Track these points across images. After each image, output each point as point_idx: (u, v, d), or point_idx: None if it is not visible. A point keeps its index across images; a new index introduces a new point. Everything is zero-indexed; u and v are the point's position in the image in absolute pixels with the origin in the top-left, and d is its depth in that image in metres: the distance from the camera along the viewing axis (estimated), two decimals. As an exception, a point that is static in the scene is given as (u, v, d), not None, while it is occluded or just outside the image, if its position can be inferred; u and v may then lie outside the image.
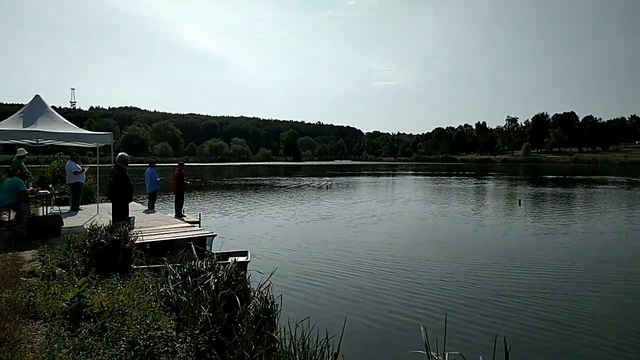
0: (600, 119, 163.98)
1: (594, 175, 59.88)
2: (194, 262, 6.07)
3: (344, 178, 57.24)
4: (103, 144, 14.50)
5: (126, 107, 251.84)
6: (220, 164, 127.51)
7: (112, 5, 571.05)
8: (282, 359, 4.56)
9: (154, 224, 12.17)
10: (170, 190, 20.25)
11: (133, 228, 9.78)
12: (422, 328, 4.09)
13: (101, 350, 4.11)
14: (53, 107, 13.91)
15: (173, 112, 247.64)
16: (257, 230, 16.95)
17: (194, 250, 7.05)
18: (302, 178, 56.25)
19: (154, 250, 9.43)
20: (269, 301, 5.13)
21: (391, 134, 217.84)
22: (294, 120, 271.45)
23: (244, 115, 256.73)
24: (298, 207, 24.87)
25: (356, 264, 11.79)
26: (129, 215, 10.74)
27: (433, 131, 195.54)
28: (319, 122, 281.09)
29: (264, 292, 5.31)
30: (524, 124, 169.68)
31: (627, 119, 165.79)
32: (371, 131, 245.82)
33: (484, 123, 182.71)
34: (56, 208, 14.11)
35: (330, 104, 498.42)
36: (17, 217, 10.66)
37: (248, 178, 55.91)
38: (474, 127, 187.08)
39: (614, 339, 7.03)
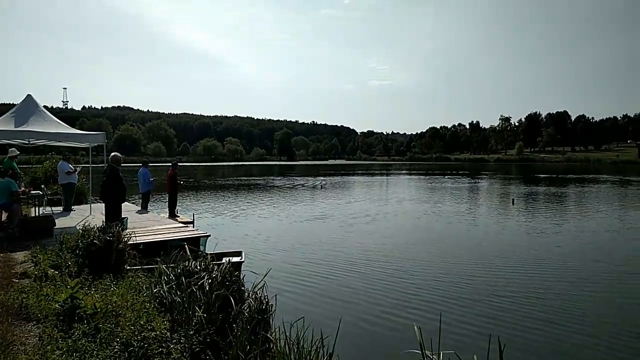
0: (592, 118, 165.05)
1: (586, 175, 60.31)
2: (188, 263, 6.04)
3: (338, 178, 57.28)
4: (95, 144, 14.44)
5: (119, 106, 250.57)
6: (213, 163, 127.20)
7: (109, 5, 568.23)
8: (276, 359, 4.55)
9: (148, 224, 12.12)
10: (163, 191, 20.19)
11: (126, 228, 9.74)
12: (416, 328, 4.09)
13: (95, 352, 4.08)
14: (45, 106, 13.83)
15: (166, 112, 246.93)
16: (251, 230, 16.92)
17: (188, 251, 7.03)
18: (296, 178, 56.22)
19: (147, 250, 9.38)
20: (264, 301, 5.12)
21: (385, 133, 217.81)
22: (288, 119, 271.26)
23: (238, 115, 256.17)
24: (292, 207, 24.86)
25: (350, 264, 11.81)
26: (122, 216, 10.68)
27: (427, 131, 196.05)
28: (313, 121, 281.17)
29: (258, 292, 5.30)
30: (517, 124, 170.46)
31: (619, 119, 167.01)
32: (365, 131, 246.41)
33: (478, 122, 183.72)
34: (48, 209, 14.01)
35: (324, 104, 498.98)
36: (9, 218, 10.57)
37: (242, 178, 55.82)
38: (468, 126, 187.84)
39: (607, 338, 7.07)
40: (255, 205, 25.23)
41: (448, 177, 56.20)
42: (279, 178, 55.70)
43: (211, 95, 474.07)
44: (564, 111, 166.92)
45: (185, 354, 4.29)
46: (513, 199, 27.68)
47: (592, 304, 8.72)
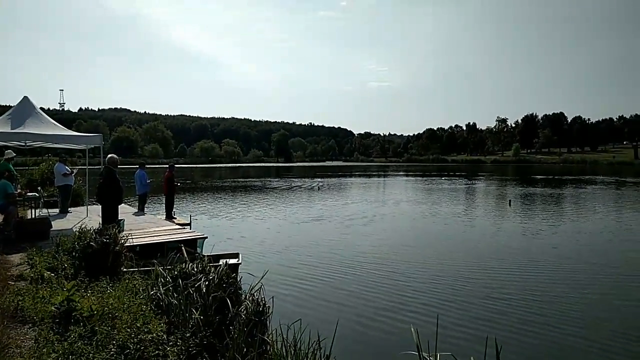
0: (588, 119, 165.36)
1: (582, 176, 60.47)
2: (185, 265, 6.04)
3: (335, 179, 57.29)
4: (92, 146, 14.38)
5: (116, 108, 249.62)
6: (211, 165, 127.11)
7: (104, 6, 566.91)
8: (273, 362, 4.55)
9: (144, 226, 12.09)
10: (160, 192, 20.13)
11: (123, 230, 9.72)
12: (413, 330, 4.09)
13: (91, 355, 4.06)
14: (41, 108, 13.78)
15: (163, 113, 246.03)
16: (249, 232, 16.91)
17: (185, 253, 7.02)
18: (294, 179, 56.21)
19: (144, 252, 9.34)
20: (261, 303, 5.12)
21: (382, 134, 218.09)
22: (285, 121, 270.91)
23: (235, 117, 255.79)
24: (289, 208, 24.86)
25: (347, 266, 11.81)
26: (119, 218, 10.65)
27: (424, 132, 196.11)
28: (310, 123, 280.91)
29: (255, 294, 5.30)
30: (513, 125, 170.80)
31: (615, 120, 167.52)
32: (362, 132, 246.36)
33: (474, 124, 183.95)
34: (45, 211, 13.96)
35: (322, 105, 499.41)
36: (5, 220, 10.54)
37: (239, 179, 55.78)
38: (464, 127, 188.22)
39: (604, 340, 7.09)
40: (252, 207, 25.21)
41: (445, 179, 56.28)
42: (276, 180, 55.70)
43: (208, 97, 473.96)
44: (560, 112, 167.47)
45: (181, 356, 4.28)
46: (510, 201, 27.73)
47: (589, 305, 8.74)
